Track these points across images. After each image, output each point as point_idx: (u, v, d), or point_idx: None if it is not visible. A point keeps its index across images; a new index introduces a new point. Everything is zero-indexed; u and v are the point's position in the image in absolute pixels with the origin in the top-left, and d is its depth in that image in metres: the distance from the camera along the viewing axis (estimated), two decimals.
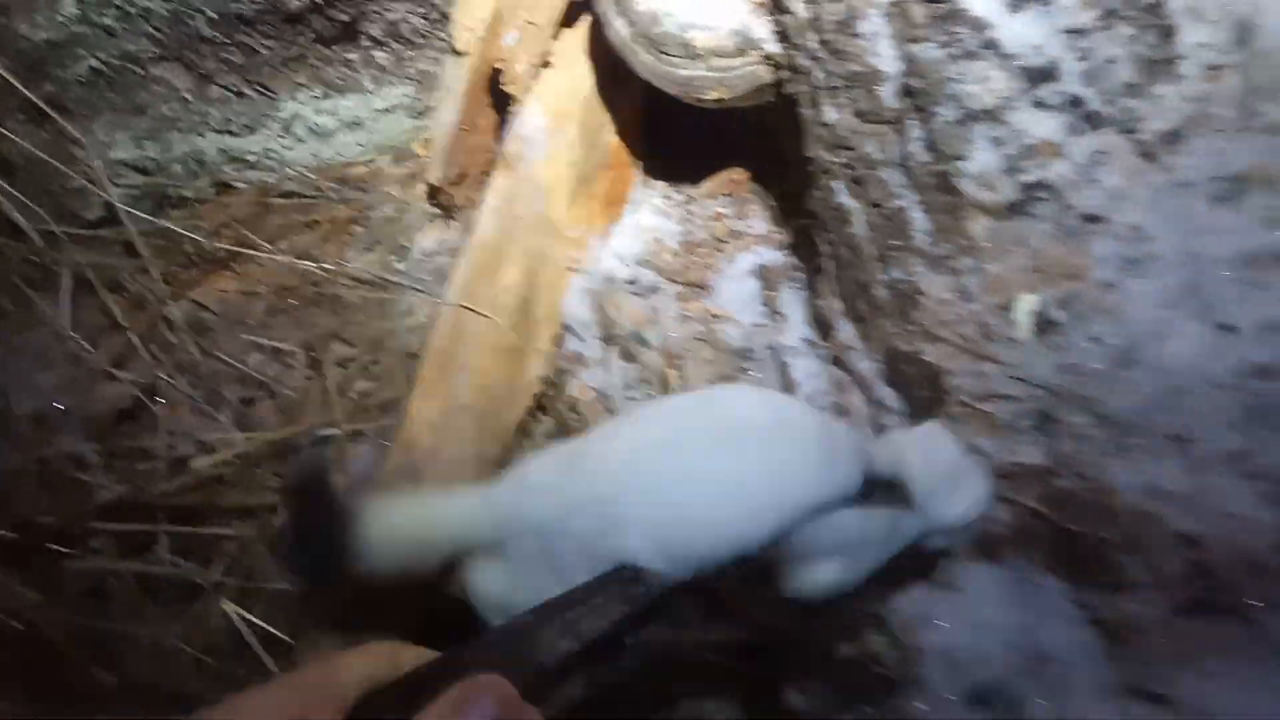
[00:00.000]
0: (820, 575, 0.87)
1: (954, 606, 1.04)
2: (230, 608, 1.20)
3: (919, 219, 1.03)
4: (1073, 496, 0.97)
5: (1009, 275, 0.99)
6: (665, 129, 1.47)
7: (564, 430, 1.25)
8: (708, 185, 1.45)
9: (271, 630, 1.23)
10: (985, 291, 1.01)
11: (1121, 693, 0.97)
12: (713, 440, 0.81)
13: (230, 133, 1.65)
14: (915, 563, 0.98)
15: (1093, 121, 0.96)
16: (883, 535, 0.89)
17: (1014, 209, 0.98)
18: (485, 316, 1.18)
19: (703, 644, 1.00)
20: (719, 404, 0.87)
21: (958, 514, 0.91)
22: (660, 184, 1.45)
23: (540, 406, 1.29)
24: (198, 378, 1.45)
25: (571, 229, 1.30)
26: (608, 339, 1.28)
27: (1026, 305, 0.99)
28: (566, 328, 1.30)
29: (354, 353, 1.50)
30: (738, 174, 1.43)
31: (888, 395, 1.11)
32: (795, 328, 1.24)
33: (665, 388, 1.25)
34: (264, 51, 1.54)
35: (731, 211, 1.40)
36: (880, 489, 0.86)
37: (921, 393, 1.07)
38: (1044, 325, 0.98)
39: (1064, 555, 1.00)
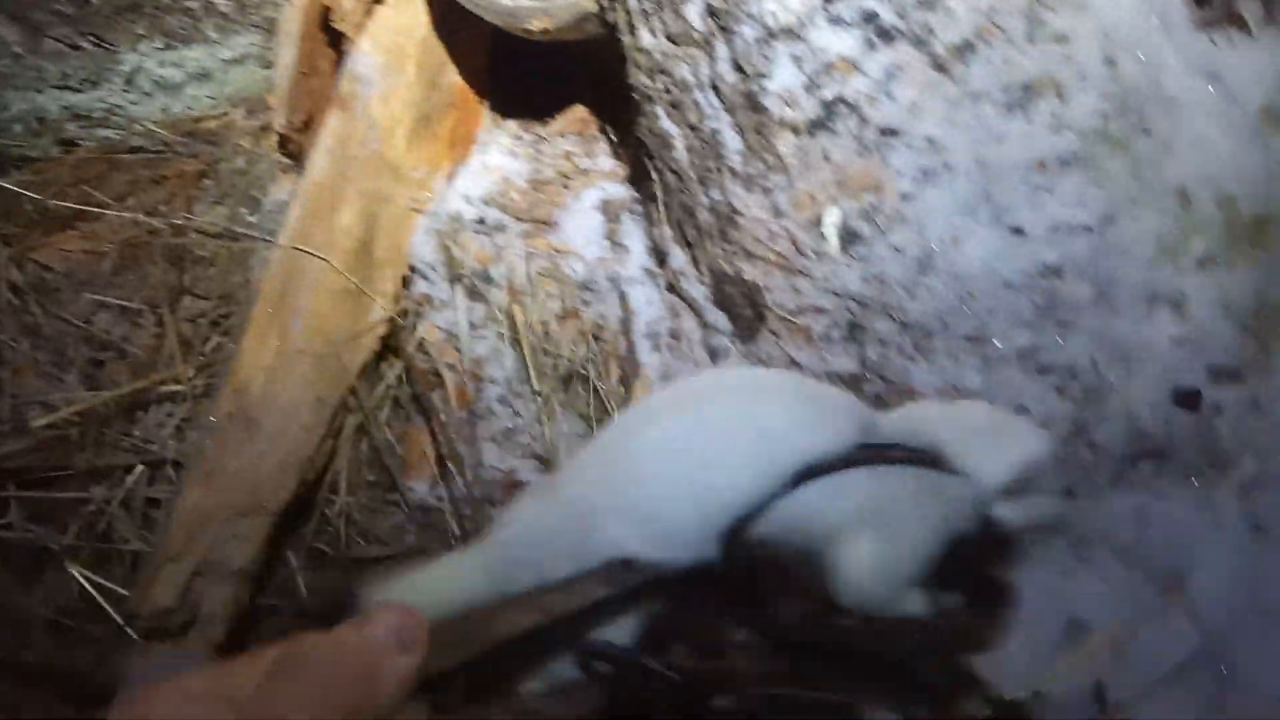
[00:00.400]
0: (855, 553, 0.74)
1: None
2: (77, 570, 1.18)
3: (731, 139, 1.05)
4: (880, 401, 1.01)
5: (815, 191, 1.02)
6: (515, 69, 1.46)
7: (412, 372, 1.25)
8: (557, 124, 1.44)
9: (124, 593, 1.22)
10: (795, 208, 1.03)
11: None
12: (677, 411, 0.75)
13: (71, 88, 1.60)
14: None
15: (887, 36, 0.98)
16: (916, 501, 0.75)
17: (816, 125, 1.00)
18: (320, 258, 1.17)
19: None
20: (689, 383, 0.84)
21: (1004, 468, 0.77)
22: (510, 124, 1.45)
23: (390, 349, 1.28)
24: (43, 339, 1.41)
25: (413, 169, 1.29)
26: (454, 279, 1.28)
27: (832, 219, 1.01)
28: (413, 269, 1.30)
29: (205, 307, 1.47)
30: (586, 112, 1.44)
31: (718, 318, 1.13)
32: (635, 258, 1.25)
33: (512, 325, 1.25)
34: (95, 1, 1.49)
35: (580, 149, 1.40)
36: (903, 453, 0.76)
37: (744, 312, 1.09)
38: (849, 238, 1.01)
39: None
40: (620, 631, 0.70)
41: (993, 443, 0.79)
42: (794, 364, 1.06)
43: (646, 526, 0.69)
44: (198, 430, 1.16)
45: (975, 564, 0.82)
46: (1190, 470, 0.95)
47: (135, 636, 1.04)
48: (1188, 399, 0.94)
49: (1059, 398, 0.96)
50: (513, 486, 1.21)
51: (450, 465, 1.21)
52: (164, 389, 1.34)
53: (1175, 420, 0.95)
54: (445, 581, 0.73)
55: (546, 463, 1.19)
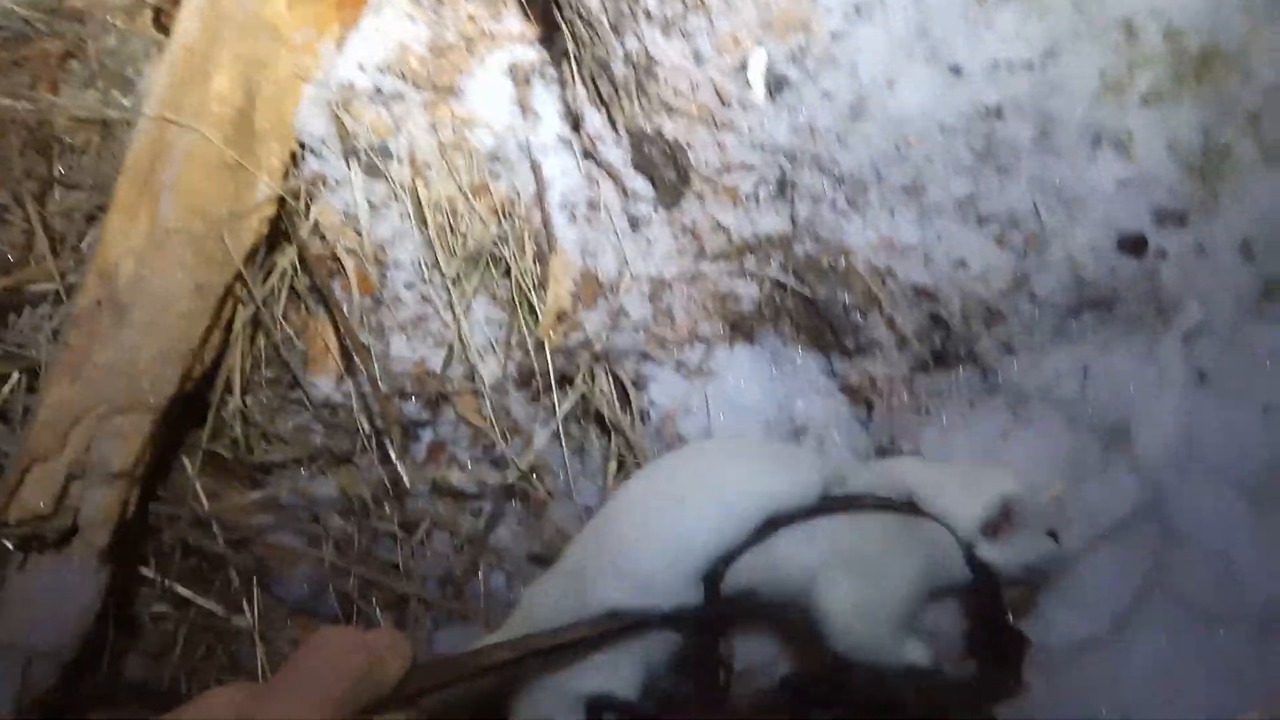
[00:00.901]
0: (834, 593, 0.78)
1: (716, 391, 1.02)
2: None
3: None
4: (813, 262, 0.94)
5: (738, 32, 0.93)
6: None
7: (308, 258, 1.15)
8: None
9: None
10: (717, 52, 0.94)
11: (872, 454, 0.97)
12: (651, 476, 0.86)
13: None
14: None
15: None
16: (890, 542, 0.80)
17: None
18: (192, 129, 1.05)
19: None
20: (667, 457, 0.91)
21: (979, 508, 0.81)
22: None
23: (283, 234, 1.17)
24: None
25: (296, 32, 1.16)
26: (349, 154, 1.16)
27: (758, 64, 0.93)
28: (303, 145, 1.18)
29: (78, 200, 1.33)
30: None
31: (639, 184, 1.05)
32: (548, 125, 1.15)
33: (416, 203, 1.15)
34: None
35: (485, 11, 1.28)
36: (873, 500, 0.81)
37: (667, 174, 1.01)
38: (776, 84, 0.93)
39: (811, 326, 0.98)
40: (624, 684, 0.77)
41: (966, 486, 0.82)
42: (720, 228, 0.98)
43: (626, 579, 0.77)
44: (61, 322, 1.05)
45: (981, 613, 0.84)
46: (1134, 320, 0.90)
47: (9, 547, 0.94)
48: (1132, 244, 0.90)
49: (999, 248, 0.91)
50: (424, 378, 1.13)
51: (355, 358, 1.12)
52: (35, 288, 1.21)
53: (1119, 267, 0.90)
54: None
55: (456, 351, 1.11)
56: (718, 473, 0.82)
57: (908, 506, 0.82)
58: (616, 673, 0.77)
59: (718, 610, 0.77)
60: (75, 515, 0.96)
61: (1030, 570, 0.83)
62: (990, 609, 0.84)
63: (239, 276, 1.08)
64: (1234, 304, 0.90)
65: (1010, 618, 0.83)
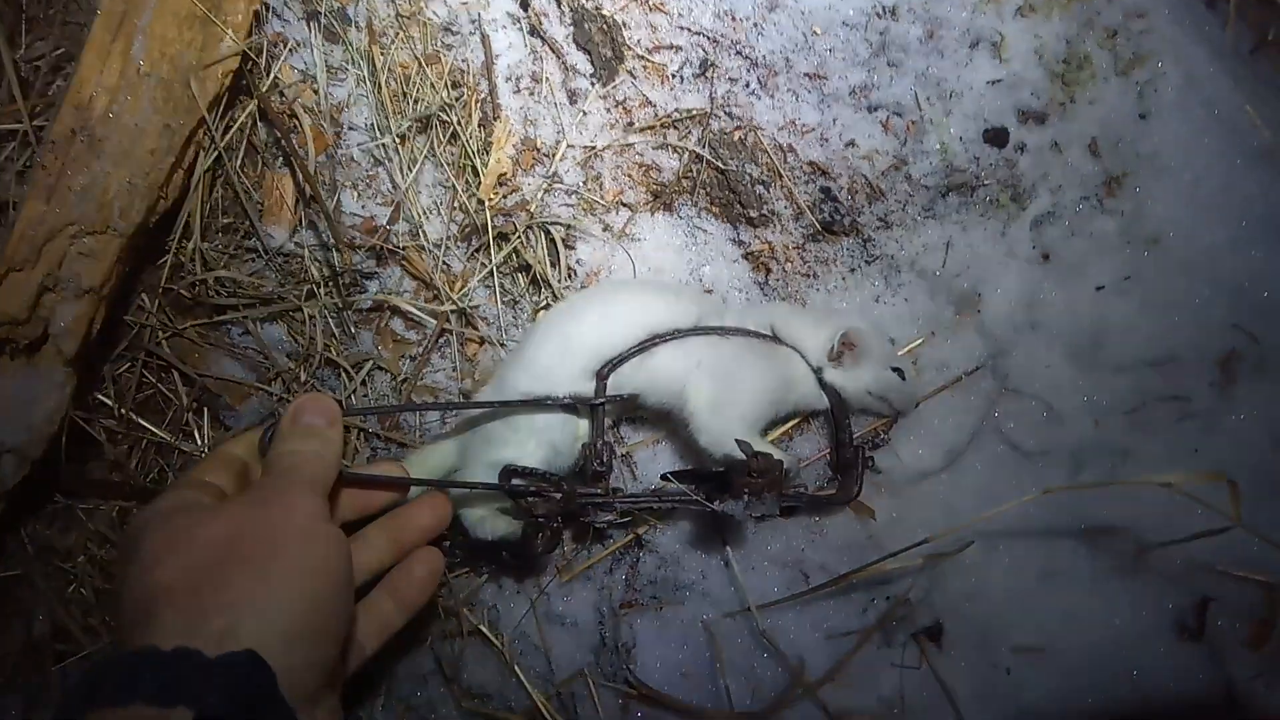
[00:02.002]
0: (696, 392, 0.98)
1: (636, 253, 1.14)
2: None
3: None
4: (726, 137, 1.06)
5: None
6: None
7: (268, 113, 1.23)
8: None
9: None
10: None
11: None
12: (567, 300, 1.06)
13: None
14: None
15: None
16: (750, 358, 0.99)
17: None
18: None
19: None
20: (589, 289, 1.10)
21: (825, 338, 1.00)
22: None
23: (242, 88, 1.25)
24: None
25: None
26: (310, 16, 1.24)
27: None
28: (267, 5, 1.25)
29: (45, 49, 1.38)
30: None
31: (578, 59, 1.15)
32: (500, 1, 1.24)
33: (372, 68, 1.23)
34: None
35: None
36: (739, 329, 1.01)
37: (604, 51, 1.11)
38: None
39: (722, 198, 1.10)
40: (531, 457, 0.97)
41: (816, 323, 1.01)
42: (648, 103, 1.10)
43: (530, 368, 0.99)
44: (38, 147, 1.12)
45: (834, 436, 1.03)
46: (992, 204, 1.05)
47: None
48: (996, 137, 1.03)
49: (884, 133, 1.04)
50: (372, 231, 1.23)
51: (309, 210, 1.22)
52: (2, 127, 1.27)
53: (984, 157, 1.04)
54: (433, 454, 1.05)
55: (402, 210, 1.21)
56: (610, 293, 1.04)
57: (768, 336, 1.01)
58: (523, 449, 0.98)
59: (606, 399, 0.98)
60: (46, 325, 1.05)
61: (876, 398, 1.00)
62: (837, 428, 1.01)
63: (202, 123, 1.16)
64: (1079, 194, 1.05)
65: (852, 436, 1.00)
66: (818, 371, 1.01)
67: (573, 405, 0.98)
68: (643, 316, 0.99)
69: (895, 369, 0.99)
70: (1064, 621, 0.99)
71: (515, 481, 0.95)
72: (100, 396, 1.25)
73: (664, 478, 0.95)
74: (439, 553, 0.96)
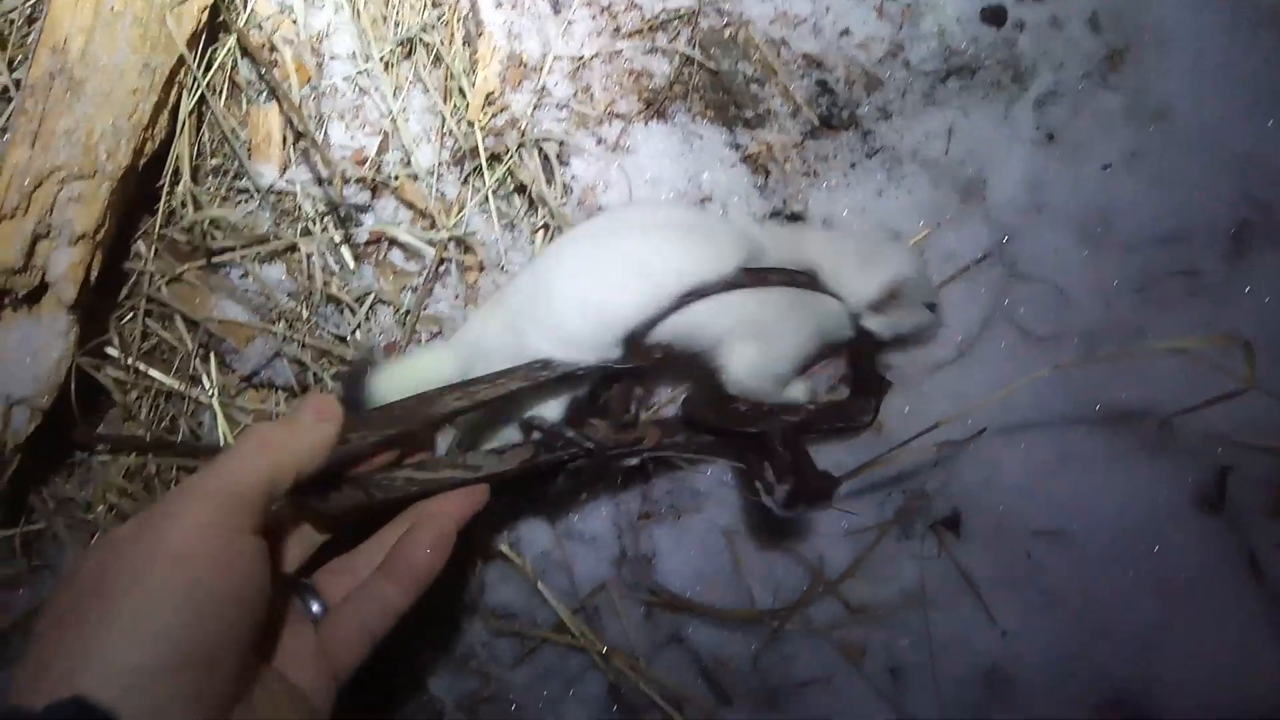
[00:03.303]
0: (736, 355, 0.92)
1: (632, 165, 1.12)
2: None
3: None
4: (716, 35, 1.04)
5: None
6: None
7: (248, 49, 1.21)
8: None
9: None
10: None
11: (767, 218, 1.09)
12: (589, 243, 0.92)
13: None
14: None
15: None
16: (791, 315, 0.93)
17: None
18: None
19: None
20: (603, 219, 0.96)
21: (872, 288, 0.93)
22: None
23: (219, 24, 1.23)
24: None
25: None
26: None
27: None
28: None
29: (16, 1, 1.35)
30: None
31: None
32: None
33: (353, 9, 1.20)
34: None
35: None
36: (781, 274, 0.93)
37: None
38: None
39: (715, 100, 1.08)
40: (552, 411, 0.92)
41: (862, 265, 0.94)
42: (634, 5, 1.07)
43: (557, 334, 0.88)
44: (17, 94, 1.10)
45: (856, 360, 1.02)
46: (993, 85, 1.02)
47: None
48: (994, 16, 1.00)
49: (879, 18, 1.01)
50: (363, 162, 1.21)
51: (298, 146, 1.20)
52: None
53: (982, 37, 1.01)
54: (425, 369, 0.93)
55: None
56: (649, 249, 0.90)
57: (810, 281, 0.95)
58: (544, 403, 0.92)
59: (636, 365, 0.91)
60: (44, 274, 1.05)
61: (905, 335, 0.99)
62: (864, 357, 1.01)
63: (182, 61, 1.14)
64: (1081, 72, 1.02)
65: (876, 364, 0.99)
66: (855, 317, 0.96)
67: (599, 370, 0.90)
68: (686, 275, 0.89)
69: (929, 304, 0.97)
70: (1082, 503, 0.99)
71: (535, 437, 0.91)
72: (107, 350, 1.25)
73: (688, 424, 0.93)
74: (449, 527, 0.86)
